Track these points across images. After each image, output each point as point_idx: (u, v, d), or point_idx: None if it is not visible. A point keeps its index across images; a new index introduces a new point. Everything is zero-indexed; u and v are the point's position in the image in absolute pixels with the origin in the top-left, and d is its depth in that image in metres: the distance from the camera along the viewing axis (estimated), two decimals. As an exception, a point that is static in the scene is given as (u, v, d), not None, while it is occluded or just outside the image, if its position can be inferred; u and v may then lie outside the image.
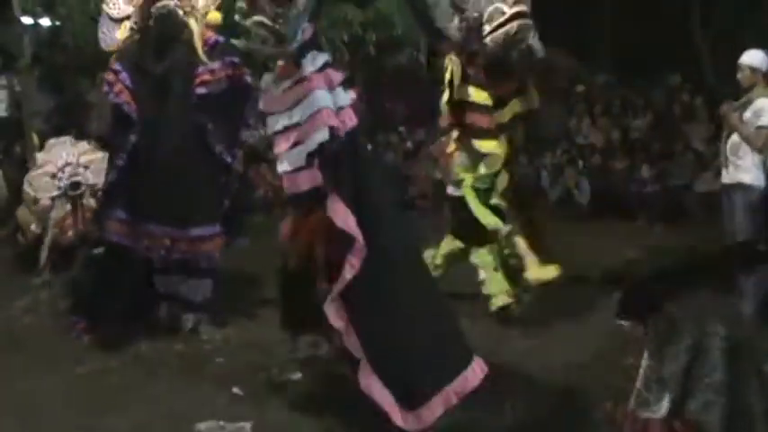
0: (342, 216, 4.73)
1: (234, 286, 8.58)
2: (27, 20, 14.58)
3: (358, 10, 14.45)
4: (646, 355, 3.97)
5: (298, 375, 5.92)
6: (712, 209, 10.20)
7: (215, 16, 7.50)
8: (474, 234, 7.62)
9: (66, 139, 9.51)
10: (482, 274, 7.52)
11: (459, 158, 7.70)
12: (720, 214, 7.78)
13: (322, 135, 4.86)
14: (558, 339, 6.74)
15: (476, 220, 7.48)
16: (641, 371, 3.93)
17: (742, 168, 7.26)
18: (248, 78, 7.35)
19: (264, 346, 6.59)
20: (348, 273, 4.68)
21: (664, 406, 3.86)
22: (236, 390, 5.67)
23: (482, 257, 7.56)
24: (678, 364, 3.84)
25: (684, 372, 3.83)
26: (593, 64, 21.75)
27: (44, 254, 9.02)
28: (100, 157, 9.47)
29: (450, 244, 7.87)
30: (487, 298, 7.43)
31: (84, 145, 9.48)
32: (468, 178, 7.55)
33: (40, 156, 9.56)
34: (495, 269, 7.46)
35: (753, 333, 4.03)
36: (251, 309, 7.71)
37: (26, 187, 9.22)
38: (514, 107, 7.54)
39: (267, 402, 5.50)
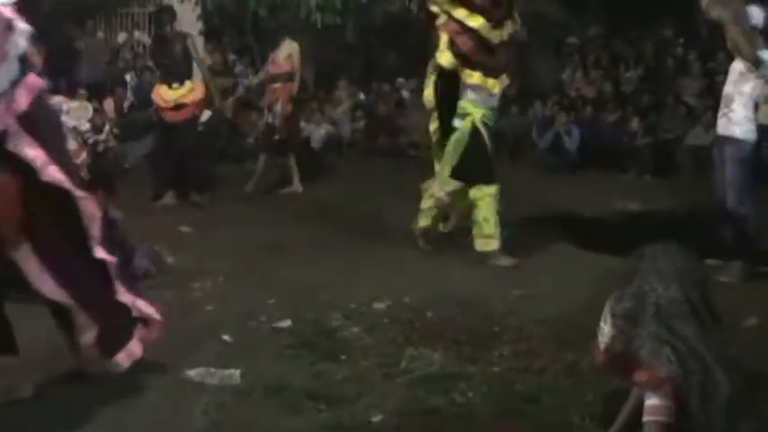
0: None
1: (228, 233, 8.63)
2: (14, -36, 14.39)
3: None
4: (611, 295, 4.07)
5: (287, 323, 5.94)
6: (703, 162, 10.24)
7: None
8: (479, 170, 7.67)
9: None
10: (479, 214, 7.53)
11: (470, 94, 7.69)
12: (711, 167, 7.79)
13: None
14: (547, 288, 6.76)
15: (483, 156, 7.54)
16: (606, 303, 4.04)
17: (733, 121, 7.22)
18: None
19: (253, 293, 6.62)
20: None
21: (609, 337, 3.96)
22: (225, 337, 5.68)
23: (485, 196, 7.56)
24: (626, 306, 3.94)
25: (629, 314, 3.92)
26: (585, 16, 21.62)
27: None
28: (78, 104, 9.57)
29: (449, 183, 7.82)
30: (481, 238, 7.51)
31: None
32: (477, 113, 7.59)
33: None
34: (498, 212, 7.51)
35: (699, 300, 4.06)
36: (238, 256, 7.71)
37: None
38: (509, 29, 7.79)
39: (256, 350, 5.51)
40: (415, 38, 19.12)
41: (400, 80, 16.88)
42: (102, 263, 4.62)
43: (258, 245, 8.14)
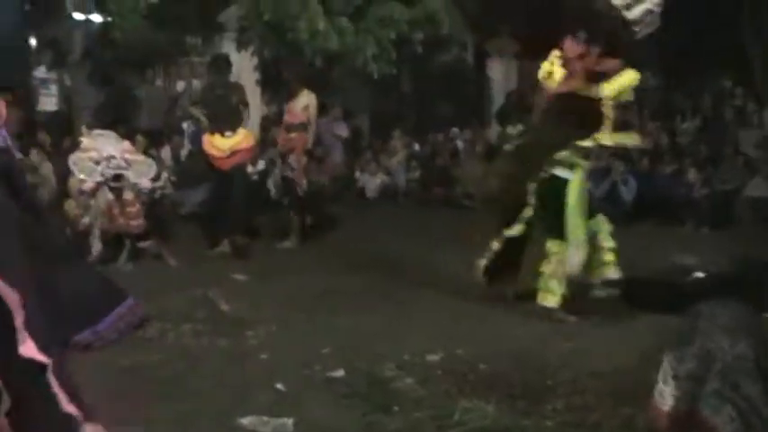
0: None
1: (283, 281, 8.67)
2: (78, 16, 14.74)
3: (405, 8, 14.43)
4: (667, 350, 3.97)
5: (340, 373, 5.92)
6: (762, 213, 10.11)
7: None
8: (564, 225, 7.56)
9: (111, 133, 9.69)
10: (549, 267, 7.46)
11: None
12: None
13: None
14: (602, 342, 6.67)
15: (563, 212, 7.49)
16: (663, 363, 3.93)
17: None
18: None
19: (307, 342, 6.62)
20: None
21: (672, 399, 3.86)
22: (278, 386, 5.67)
23: (561, 252, 7.48)
24: (690, 367, 3.84)
25: (694, 375, 3.82)
26: (642, 67, 21.53)
27: (95, 244, 9.18)
28: (142, 159, 9.72)
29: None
30: (544, 292, 7.46)
31: (127, 144, 9.69)
32: (585, 165, 7.70)
33: (84, 140, 9.77)
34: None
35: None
36: (293, 304, 7.73)
37: (71, 165, 9.39)
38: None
39: (310, 399, 5.49)
40: (470, 88, 19.30)
41: (455, 130, 16.94)
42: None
43: (313, 293, 8.17)
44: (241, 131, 10.51)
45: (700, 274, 7.43)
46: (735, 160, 13.60)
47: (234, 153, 10.39)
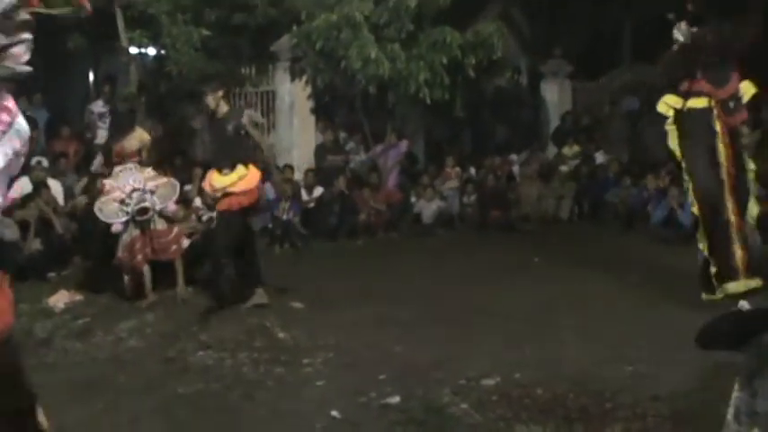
0: None
1: (339, 308, 8.67)
2: (133, 50, 14.97)
3: (457, 32, 14.45)
4: (737, 385, 3.84)
5: (396, 399, 5.91)
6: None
7: None
8: None
9: (132, 165, 9.61)
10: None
11: None
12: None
13: None
14: (662, 365, 6.57)
15: None
16: (732, 401, 3.81)
17: None
18: None
19: (363, 369, 6.61)
20: None
21: None
22: (334, 413, 5.67)
23: None
24: (764, 403, 3.71)
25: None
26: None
27: (147, 280, 9.23)
28: (165, 181, 9.67)
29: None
30: None
31: (149, 171, 9.65)
32: None
33: (107, 182, 9.65)
34: None
35: None
36: (350, 332, 7.74)
37: (96, 212, 9.39)
38: None
39: (366, 426, 5.49)
40: (526, 110, 19.24)
41: (513, 156, 16.93)
42: None
43: (368, 320, 8.17)
44: (240, 169, 8.97)
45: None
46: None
47: (227, 195, 8.94)
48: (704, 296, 7.87)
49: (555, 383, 6.12)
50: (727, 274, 7.83)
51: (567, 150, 17.05)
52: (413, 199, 14.99)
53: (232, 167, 8.92)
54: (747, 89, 8.15)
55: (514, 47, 18.52)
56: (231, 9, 14.74)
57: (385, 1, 14.22)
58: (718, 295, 7.77)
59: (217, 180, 9.02)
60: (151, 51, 15.88)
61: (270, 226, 13.09)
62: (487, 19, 16.43)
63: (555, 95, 18.91)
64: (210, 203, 10.15)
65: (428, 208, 14.67)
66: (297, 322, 8.13)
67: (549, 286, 9.56)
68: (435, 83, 14.40)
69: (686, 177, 8.03)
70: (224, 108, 9.15)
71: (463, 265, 11.09)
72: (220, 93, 9.07)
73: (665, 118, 8.26)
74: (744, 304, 6.88)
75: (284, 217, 13.10)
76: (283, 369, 6.71)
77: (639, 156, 16.70)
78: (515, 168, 16.52)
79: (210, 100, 9.08)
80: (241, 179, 8.91)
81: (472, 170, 16.35)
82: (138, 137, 9.85)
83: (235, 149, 9.01)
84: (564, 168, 16.40)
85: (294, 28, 14.59)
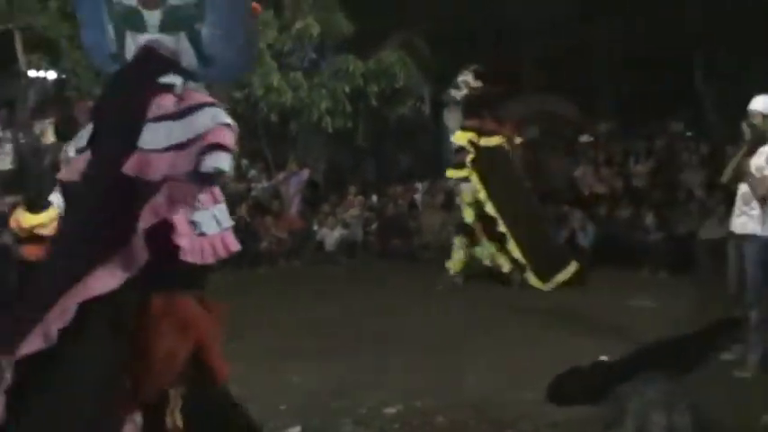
0: None
1: (242, 338, 8.56)
2: (32, 73, 14.69)
3: (360, 61, 14.52)
4: None
5: (296, 430, 5.86)
6: (717, 257, 10.16)
7: None
8: None
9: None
10: None
11: None
12: (725, 262, 7.70)
13: None
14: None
15: None
16: None
17: (754, 218, 7.15)
18: None
19: (264, 400, 6.54)
20: None
21: None
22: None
23: None
24: None
25: None
26: (596, 112, 21.84)
27: None
28: None
29: None
30: None
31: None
32: None
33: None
34: None
35: (698, 422, 4.00)
36: (249, 361, 7.65)
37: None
38: None
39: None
40: (428, 139, 19.41)
41: (418, 185, 17.02)
42: None
43: (270, 349, 8.09)
44: (52, 210, 7.54)
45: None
46: (689, 203, 13.71)
47: (34, 237, 7.59)
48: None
49: (456, 411, 6.14)
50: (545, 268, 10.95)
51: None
52: (315, 227, 14.96)
53: (39, 207, 7.71)
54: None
55: (417, 75, 18.67)
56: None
57: (288, 29, 14.22)
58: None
59: (25, 219, 7.77)
60: (51, 75, 15.58)
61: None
62: (390, 48, 16.54)
63: (457, 124, 19.06)
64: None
65: (330, 236, 14.66)
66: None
67: (452, 314, 9.62)
68: (337, 111, 14.45)
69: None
70: (50, 138, 8.16)
71: (366, 294, 11.07)
72: (48, 121, 8.33)
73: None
74: (603, 358, 6.99)
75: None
76: (183, 401, 6.59)
77: (541, 183, 16.96)
78: (418, 197, 16.59)
79: (37, 127, 8.27)
80: (52, 221, 7.39)
81: (374, 198, 16.40)
82: None
83: (42, 187, 7.91)
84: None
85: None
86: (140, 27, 3.61)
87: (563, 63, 21.80)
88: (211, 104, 3.41)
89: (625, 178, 15.69)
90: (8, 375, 3.14)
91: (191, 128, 3.33)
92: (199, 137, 3.30)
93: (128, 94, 3.47)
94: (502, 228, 11.11)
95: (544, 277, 11.12)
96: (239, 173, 15.49)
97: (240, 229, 13.75)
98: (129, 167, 3.29)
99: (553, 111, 20.99)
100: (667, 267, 12.23)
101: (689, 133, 19.09)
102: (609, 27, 21.19)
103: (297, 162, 15.61)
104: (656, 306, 9.94)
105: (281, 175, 15.68)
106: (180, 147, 3.29)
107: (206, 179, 3.38)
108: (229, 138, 3.32)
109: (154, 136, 3.32)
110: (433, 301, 10.48)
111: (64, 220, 3.89)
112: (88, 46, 3.81)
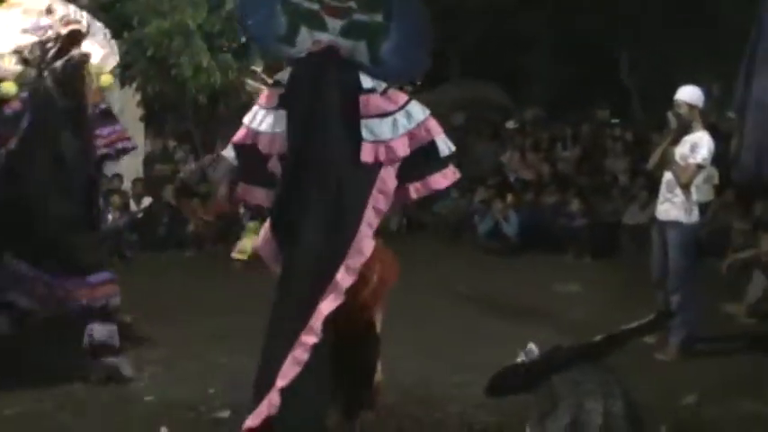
0: None
1: (169, 322, 8.51)
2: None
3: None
4: (528, 427, 4.06)
5: (226, 413, 5.87)
6: (640, 242, 10.38)
7: (108, 79, 7.38)
8: None
9: None
10: None
11: None
12: (648, 248, 7.87)
13: None
14: (488, 374, 6.73)
15: None
16: None
17: (677, 205, 7.32)
18: None
19: (192, 383, 6.54)
20: None
21: None
22: (163, 429, 5.60)
23: None
24: None
25: None
26: (523, 99, 22.07)
27: None
28: None
29: None
30: None
31: None
32: None
33: None
34: None
35: (630, 407, 4.13)
36: (177, 345, 7.62)
37: None
38: None
39: (196, 441, 5.44)
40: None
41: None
42: None
43: (200, 333, 8.05)
44: None
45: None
46: (613, 190, 13.93)
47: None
48: None
49: (387, 394, 6.18)
50: None
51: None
52: (242, 210, 14.87)
53: None
54: None
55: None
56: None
57: (218, 10, 14.06)
58: None
59: None
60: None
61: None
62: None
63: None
64: None
65: (257, 218, 14.58)
66: (124, 338, 7.90)
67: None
68: (266, 93, 14.34)
69: None
70: None
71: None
72: None
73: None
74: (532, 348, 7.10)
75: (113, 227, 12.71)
76: (113, 385, 6.55)
77: (467, 169, 17.09)
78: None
79: None
80: None
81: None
82: None
83: None
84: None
85: (125, 34, 14.26)
86: (321, 27, 4.61)
87: (496, 50, 22.01)
88: (411, 99, 4.73)
89: (552, 164, 15.88)
90: None
91: (412, 118, 4.63)
92: (420, 124, 4.65)
93: (332, 97, 4.65)
94: None
95: None
96: (166, 155, 15.36)
97: (166, 212, 13.68)
98: (368, 155, 4.57)
99: (483, 96, 21.16)
100: (592, 252, 12.44)
101: (614, 121, 19.38)
102: (539, 16, 21.43)
103: (225, 144, 15.46)
104: (581, 291, 10.12)
105: (208, 158, 15.57)
106: (409, 134, 4.61)
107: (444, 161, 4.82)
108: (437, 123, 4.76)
109: (382, 129, 4.56)
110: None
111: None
112: (253, 30, 4.97)
